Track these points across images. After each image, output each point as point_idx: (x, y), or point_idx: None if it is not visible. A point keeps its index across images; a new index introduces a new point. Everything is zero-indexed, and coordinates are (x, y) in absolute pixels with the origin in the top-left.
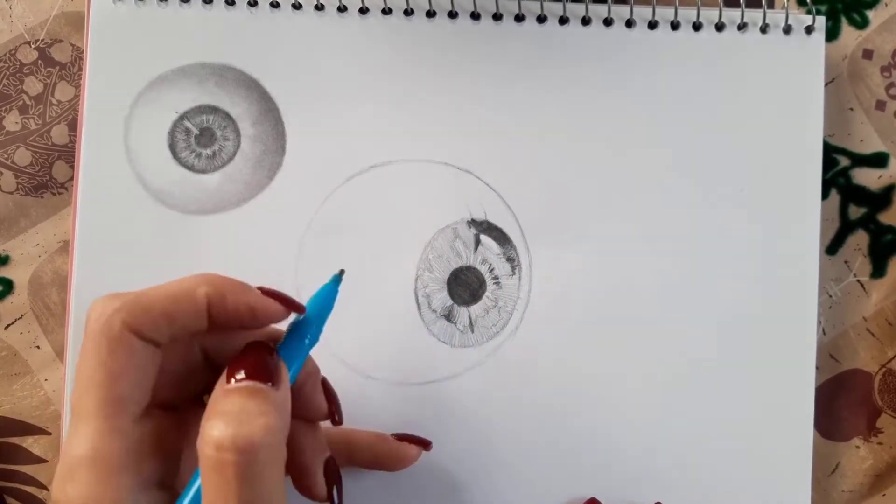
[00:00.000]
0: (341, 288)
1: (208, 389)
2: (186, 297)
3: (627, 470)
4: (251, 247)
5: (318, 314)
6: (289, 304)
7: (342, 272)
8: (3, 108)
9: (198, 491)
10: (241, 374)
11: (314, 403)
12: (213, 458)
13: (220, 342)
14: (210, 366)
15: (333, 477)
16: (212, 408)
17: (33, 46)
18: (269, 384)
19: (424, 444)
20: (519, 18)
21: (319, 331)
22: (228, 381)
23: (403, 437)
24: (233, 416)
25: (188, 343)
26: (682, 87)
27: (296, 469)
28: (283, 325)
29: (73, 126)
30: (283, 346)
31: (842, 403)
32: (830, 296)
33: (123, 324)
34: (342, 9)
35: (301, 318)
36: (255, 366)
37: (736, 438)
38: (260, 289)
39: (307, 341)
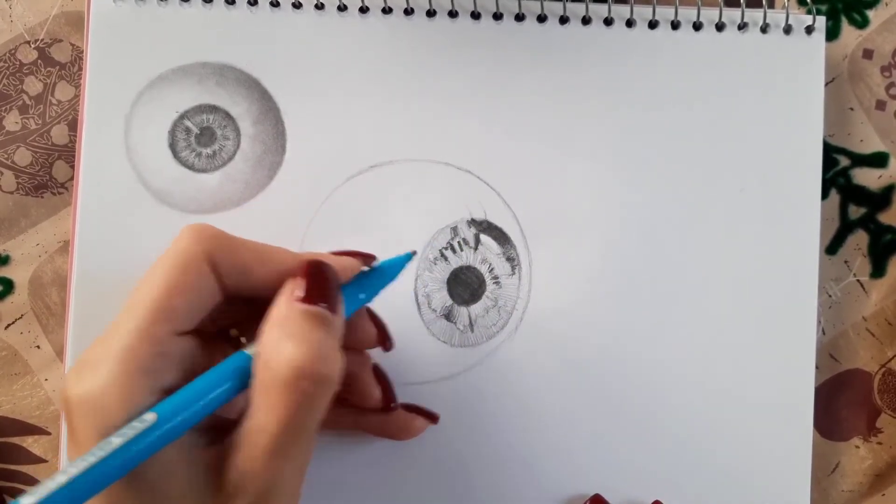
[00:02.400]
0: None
1: (233, 324)
2: (272, 260)
3: (627, 469)
4: None
5: (380, 277)
6: (362, 256)
7: (414, 252)
8: (3, 108)
9: (219, 392)
10: (301, 292)
11: (364, 331)
12: (289, 379)
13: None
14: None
15: (384, 379)
16: (282, 326)
17: (33, 46)
18: (327, 307)
19: (431, 418)
20: (519, 18)
21: (375, 293)
22: (300, 300)
23: (411, 408)
24: (312, 344)
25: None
26: (682, 87)
27: (347, 380)
28: None
29: (73, 126)
30: (346, 287)
31: (841, 403)
32: (830, 296)
33: (204, 252)
34: (342, 8)
35: (363, 273)
36: (325, 291)
37: (736, 438)
38: (334, 253)
39: (363, 296)
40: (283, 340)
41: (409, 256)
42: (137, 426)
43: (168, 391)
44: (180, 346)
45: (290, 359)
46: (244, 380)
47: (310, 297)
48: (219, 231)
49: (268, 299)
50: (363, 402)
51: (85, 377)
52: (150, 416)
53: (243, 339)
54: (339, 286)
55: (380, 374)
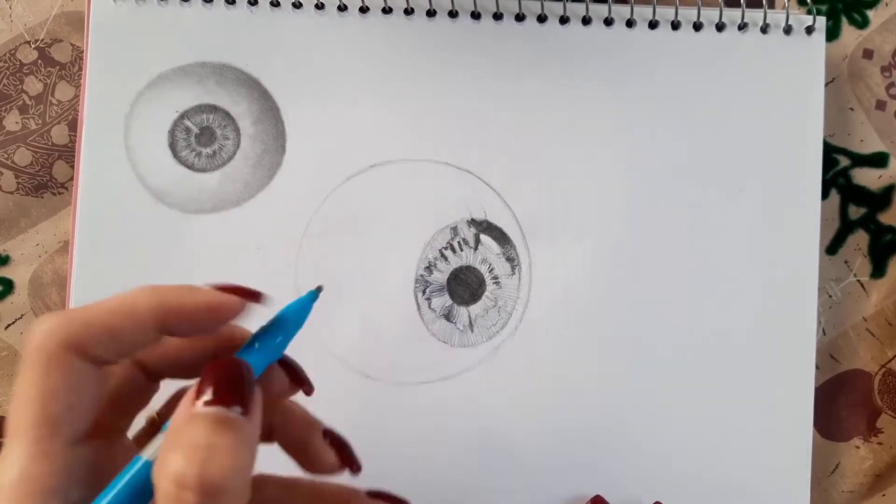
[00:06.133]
0: (341, 287)
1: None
2: (127, 309)
3: (626, 469)
4: (251, 246)
5: (285, 326)
6: (244, 292)
7: (320, 289)
8: (3, 108)
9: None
10: (208, 396)
11: (274, 380)
12: (173, 494)
13: (172, 358)
14: (152, 388)
15: (338, 441)
16: (175, 435)
17: (33, 46)
18: (241, 410)
19: (349, 464)
20: (519, 18)
21: (282, 347)
22: (195, 403)
23: (377, 495)
24: (198, 450)
25: (132, 364)
26: (682, 87)
27: (295, 449)
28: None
29: (73, 126)
30: (245, 352)
31: (842, 403)
32: (830, 296)
33: (61, 341)
34: (342, 8)
35: (271, 322)
36: (227, 387)
37: (736, 438)
38: (213, 286)
39: (280, 339)
40: (171, 451)
41: (313, 295)
42: None
43: None
44: (80, 454)
45: (171, 470)
46: (147, 490)
47: (219, 400)
48: (64, 315)
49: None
50: (317, 470)
51: None
52: None
53: (157, 417)
54: (254, 381)
55: (333, 438)
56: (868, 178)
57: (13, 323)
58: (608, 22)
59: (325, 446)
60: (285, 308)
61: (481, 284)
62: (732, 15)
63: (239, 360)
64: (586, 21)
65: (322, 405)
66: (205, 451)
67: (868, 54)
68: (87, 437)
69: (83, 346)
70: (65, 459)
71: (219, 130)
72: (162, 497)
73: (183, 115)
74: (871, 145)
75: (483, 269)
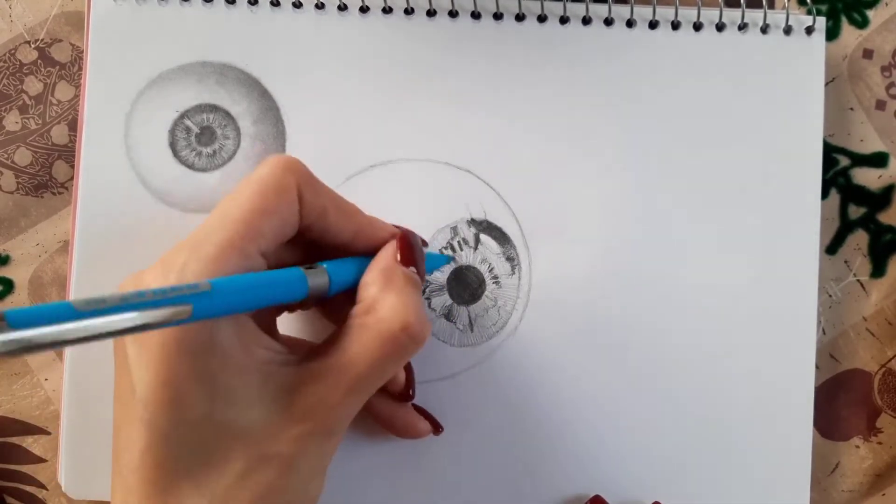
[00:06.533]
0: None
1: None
2: (348, 214)
3: (626, 469)
4: None
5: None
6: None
7: (452, 258)
8: (3, 108)
9: (275, 291)
10: (406, 261)
11: (395, 379)
12: (395, 330)
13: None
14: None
15: (409, 370)
16: (391, 279)
17: (33, 46)
18: (415, 272)
19: (436, 427)
20: (519, 18)
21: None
22: (402, 263)
23: (422, 412)
24: (416, 307)
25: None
26: (682, 87)
27: (390, 421)
28: None
29: (73, 126)
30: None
31: (841, 403)
32: (830, 295)
33: (297, 186)
34: (342, 7)
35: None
36: (417, 262)
37: (736, 438)
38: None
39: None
40: (393, 296)
41: (447, 259)
42: (188, 288)
43: None
44: (260, 266)
45: (402, 314)
46: (297, 291)
47: (405, 262)
48: (307, 168)
49: (325, 247)
50: (388, 387)
51: (171, 277)
52: (203, 284)
53: None
54: (423, 255)
55: (407, 365)
56: (868, 177)
57: None
58: (608, 22)
59: (419, 418)
60: (428, 253)
61: (481, 284)
62: (732, 15)
63: (418, 237)
64: (586, 21)
65: None
66: (419, 309)
67: (868, 54)
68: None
69: (304, 200)
70: (252, 263)
71: (219, 130)
72: (380, 328)
73: (183, 115)
74: (871, 145)
75: (483, 269)
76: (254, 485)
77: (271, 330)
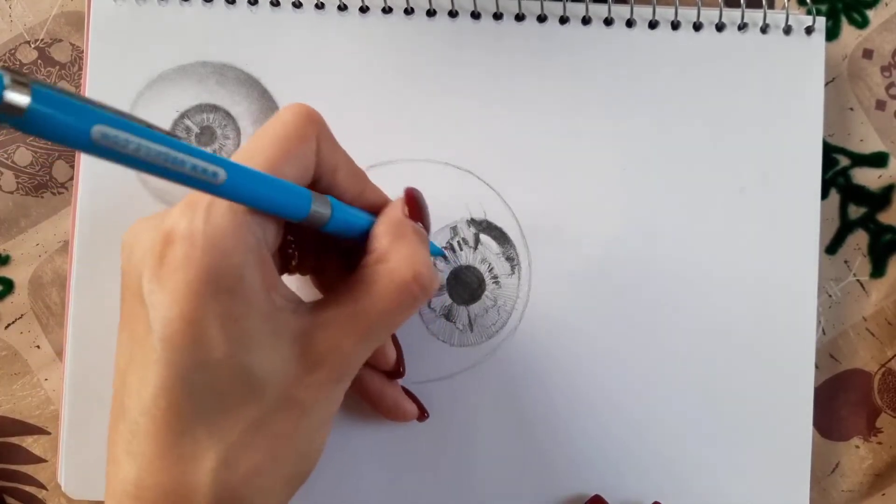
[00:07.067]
0: None
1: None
2: (357, 173)
3: (626, 469)
4: None
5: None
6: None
7: (444, 258)
8: None
9: (286, 197)
10: (414, 216)
11: (385, 354)
12: (407, 279)
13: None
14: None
15: (398, 347)
16: (401, 230)
17: (33, 46)
18: (422, 226)
19: (422, 412)
20: (519, 18)
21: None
22: (410, 217)
23: (410, 395)
24: (425, 258)
25: None
26: (682, 87)
27: (378, 401)
28: None
29: None
30: None
31: (841, 403)
32: (830, 296)
33: (316, 136)
34: (342, 7)
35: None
36: (424, 218)
37: (736, 438)
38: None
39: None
40: (404, 248)
41: (440, 252)
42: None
43: (267, 248)
44: (274, 227)
45: (413, 264)
46: (300, 206)
47: (414, 216)
48: (325, 122)
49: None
50: (380, 363)
51: (198, 215)
52: (219, 170)
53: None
54: (428, 212)
55: (395, 342)
56: (868, 177)
57: (13, 323)
58: (608, 22)
59: (407, 399)
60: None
61: (481, 284)
62: (732, 15)
63: (422, 196)
64: (586, 21)
65: None
66: (428, 263)
67: (868, 54)
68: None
69: (320, 153)
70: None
71: (219, 130)
72: (393, 276)
73: (183, 115)
74: (871, 145)
75: (483, 269)
76: (268, 431)
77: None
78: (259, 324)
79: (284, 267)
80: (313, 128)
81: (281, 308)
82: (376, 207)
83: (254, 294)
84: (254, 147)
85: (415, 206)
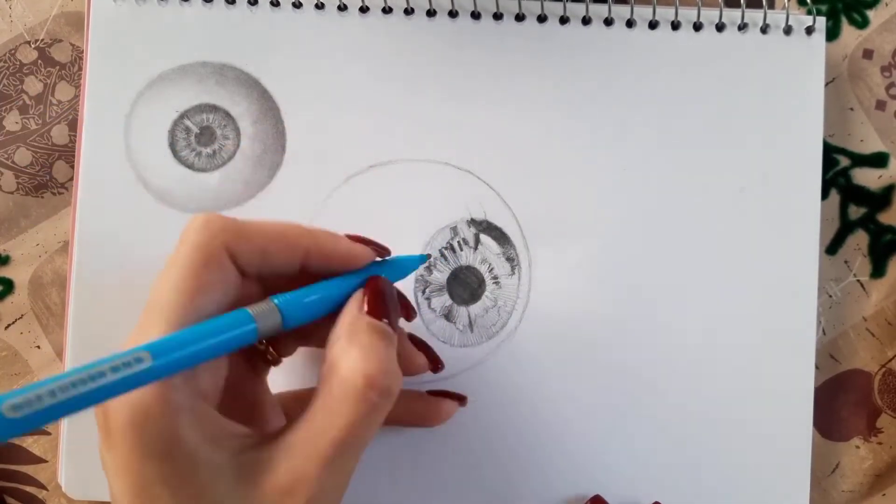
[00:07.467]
0: None
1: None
2: (283, 240)
3: (626, 469)
4: None
5: (391, 272)
6: (375, 246)
7: (429, 256)
8: (3, 108)
9: (218, 340)
10: (372, 311)
11: (413, 360)
12: (360, 389)
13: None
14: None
15: (424, 345)
16: (352, 334)
17: (33, 46)
18: (388, 322)
19: (460, 399)
20: (519, 18)
21: (394, 280)
22: (368, 314)
23: (439, 393)
24: (381, 357)
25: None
26: (682, 87)
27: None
28: None
29: (73, 126)
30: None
31: (841, 403)
32: (830, 296)
33: (222, 244)
34: (342, 8)
35: (375, 264)
36: (386, 308)
37: (735, 438)
38: (347, 236)
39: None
40: (355, 352)
41: (423, 258)
42: (125, 359)
43: (202, 393)
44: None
45: (363, 369)
46: (245, 335)
47: (373, 312)
48: (230, 220)
49: (283, 276)
50: (411, 371)
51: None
52: (143, 354)
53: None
54: (396, 303)
55: (418, 341)
56: (868, 178)
57: (13, 323)
58: (608, 22)
59: (414, 350)
60: (398, 257)
61: (481, 284)
62: (732, 15)
63: (387, 281)
64: (586, 21)
65: None
66: (385, 360)
67: (868, 54)
68: None
69: (238, 255)
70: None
71: (219, 130)
72: (345, 389)
73: (183, 115)
74: (871, 145)
75: (483, 269)
76: None
77: (259, 393)
78: (211, 477)
79: (269, 363)
80: (220, 239)
81: (237, 450)
82: (335, 263)
83: (196, 449)
84: (164, 286)
85: (375, 299)
